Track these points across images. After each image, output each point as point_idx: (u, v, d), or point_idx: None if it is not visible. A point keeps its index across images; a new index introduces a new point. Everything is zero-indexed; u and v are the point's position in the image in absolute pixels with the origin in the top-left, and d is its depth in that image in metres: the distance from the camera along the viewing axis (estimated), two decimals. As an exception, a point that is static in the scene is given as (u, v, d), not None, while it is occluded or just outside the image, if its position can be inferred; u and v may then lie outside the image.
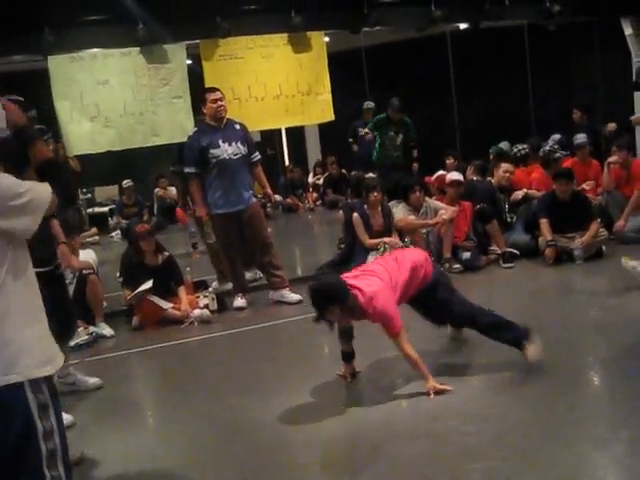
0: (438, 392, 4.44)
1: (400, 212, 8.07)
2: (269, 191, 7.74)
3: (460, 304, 4.91)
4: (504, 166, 8.98)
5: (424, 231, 8.06)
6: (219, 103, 7.14)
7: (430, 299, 4.88)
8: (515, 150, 9.91)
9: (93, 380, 5.38)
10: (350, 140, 13.26)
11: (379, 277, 4.61)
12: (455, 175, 8.41)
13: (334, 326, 4.63)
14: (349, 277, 4.66)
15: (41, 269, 4.27)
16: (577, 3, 10.15)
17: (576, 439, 3.77)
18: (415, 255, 4.98)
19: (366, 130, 11.30)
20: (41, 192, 2.64)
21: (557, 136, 10.21)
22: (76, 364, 5.56)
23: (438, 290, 4.86)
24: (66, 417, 4.72)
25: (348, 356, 4.91)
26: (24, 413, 2.55)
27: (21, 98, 3.24)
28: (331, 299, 4.43)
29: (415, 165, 11.24)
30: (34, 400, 2.57)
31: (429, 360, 5.14)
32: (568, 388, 4.45)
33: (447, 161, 10.84)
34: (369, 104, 12.41)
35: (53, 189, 2.69)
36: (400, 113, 10.91)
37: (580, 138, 9.33)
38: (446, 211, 7.92)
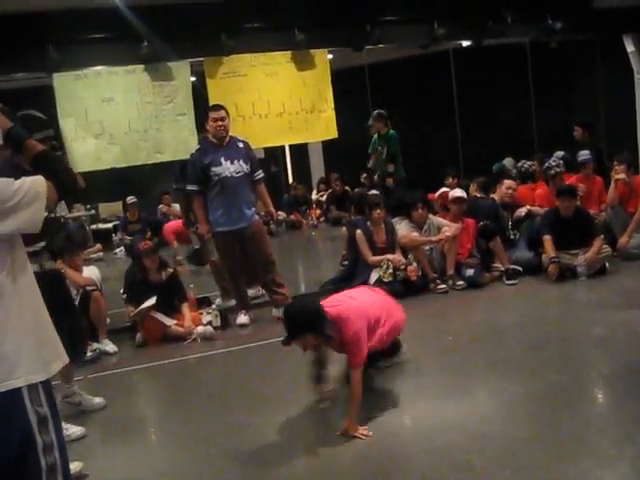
0: (350, 435, 4.24)
1: (403, 229, 8.07)
2: (272, 209, 7.73)
3: None
4: (507, 182, 8.98)
5: (427, 248, 8.06)
6: (219, 123, 7.12)
7: None
8: (521, 165, 9.94)
9: (98, 400, 5.37)
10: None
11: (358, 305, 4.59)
12: (458, 192, 8.41)
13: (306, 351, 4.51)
14: (332, 302, 4.64)
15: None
16: (579, 21, 10.20)
17: (580, 456, 3.75)
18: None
19: None
20: (33, 185, 2.63)
21: (560, 153, 10.21)
22: (79, 380, 5.54)
23: None
24: (78, 429, 4.74)
25: (316, 379, 4.88)
26: (23, 426, 2.55)
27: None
28: (306, 326, 4.31)
29: (389, 180, 10.78)
30: (34, 413, 2.57)
31: (430, 377, 5.14)
32: (571, 404, 4.43)
33: (446, 181, 10.82)
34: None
35: (49, 180, 2.69)
36: (380, 124, 10.84)
37: (584, 155, 9.32)
38: (449, 228, 7.92)
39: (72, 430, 4.68)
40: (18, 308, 2.61)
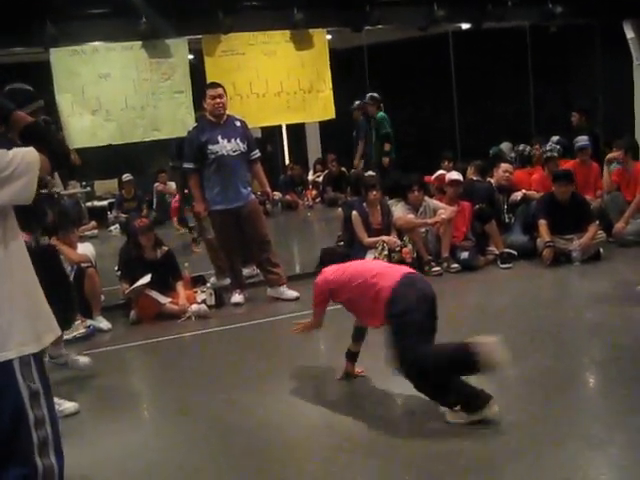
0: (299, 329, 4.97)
1: (399, 211, 8.07)
2: (268, 189, 7.73)
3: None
4: (503, 166, 8.99)
5: (423, 230, 8.07)
6: (217, 100, 7.11)
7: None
8: (523, 149, 9.95)
9: (84, 359, 5.43)
10: None
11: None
12: (454, 175, 8.42)
13: None
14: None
15: None
16: (579, 5, 10.15)
17: (571, 440, 3.77)
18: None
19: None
20: (26, 155, 2.63)
21: (555, 138, 10.22)
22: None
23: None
24: (71, 404, 4.74)
25: (351, 355, 4.85)
26: (15, 400, 2.55)
27: None
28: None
29: (385, 160, 10.80)
30: (26, 388, 2.58)
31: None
32: (564, 389, 4.46)
33: (442, 165, 10.82)
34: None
35: (41, 151, 2.68)
36: (373, 108, 10.81)
37: (582, 140, 9.29)
38: (445, 211, 7.93)
39: (65, 406, 4.69)
40: (10, 280, 2.60)
